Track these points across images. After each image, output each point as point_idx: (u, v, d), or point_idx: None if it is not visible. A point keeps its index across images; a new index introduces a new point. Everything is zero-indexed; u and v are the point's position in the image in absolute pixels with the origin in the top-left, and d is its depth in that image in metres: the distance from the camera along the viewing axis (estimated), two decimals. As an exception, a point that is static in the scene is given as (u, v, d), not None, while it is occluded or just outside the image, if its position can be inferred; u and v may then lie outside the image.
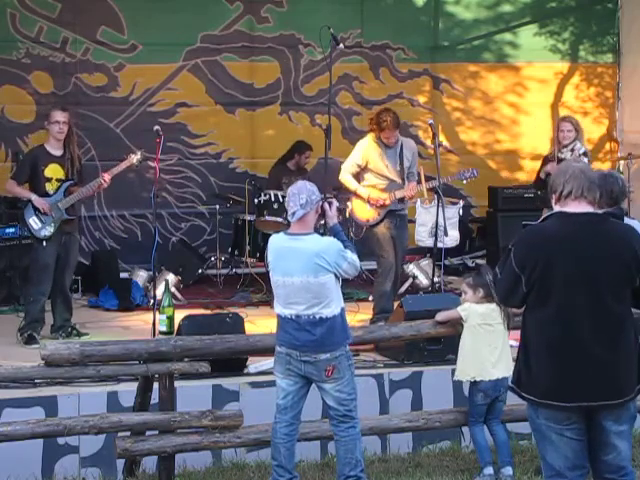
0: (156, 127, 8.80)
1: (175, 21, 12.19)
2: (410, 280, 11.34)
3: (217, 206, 11.81)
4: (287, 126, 12.74)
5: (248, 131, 12.75)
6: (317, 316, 6.20)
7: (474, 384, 7.06)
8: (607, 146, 13.79)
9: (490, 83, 13.50)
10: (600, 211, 5.16)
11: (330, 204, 6.47)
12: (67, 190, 9.05)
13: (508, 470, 7.02)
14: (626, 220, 5.74)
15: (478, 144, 13.50)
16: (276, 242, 6.38)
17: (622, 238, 5.07)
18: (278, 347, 6.36)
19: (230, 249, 11.67)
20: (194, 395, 7.32)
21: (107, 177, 9.08)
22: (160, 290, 8.94)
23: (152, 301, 9.16)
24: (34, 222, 8.98)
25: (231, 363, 7.73)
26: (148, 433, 6.76)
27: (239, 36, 12.55)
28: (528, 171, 13.50)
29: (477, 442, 7.11)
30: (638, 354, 5.05)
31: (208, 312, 9.88)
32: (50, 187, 9.04)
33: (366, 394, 7.51)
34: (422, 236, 10.26)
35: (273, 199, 10.92)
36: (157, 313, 8.48)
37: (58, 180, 9.06)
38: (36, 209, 8.96)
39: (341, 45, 9.24)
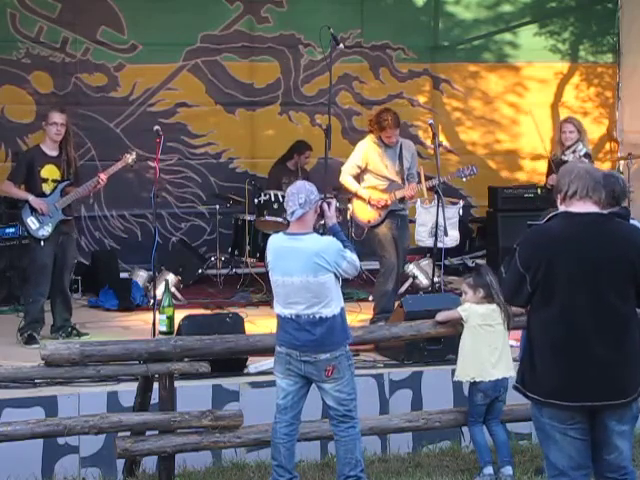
0: (156, 127, 8.81)
1: (175, 21, 12.19)
2: (410, 280, 11.34)
3: (217, 206, 11.81)
4: (287, 126, 12.74)
5: (248, 131, 12.75)
6: (317, 316, 6.20)
7: (474, 384, 7.06)
8: (607, 146, 13.80)
9: (490, 83, 13.50)
10: (605, 211, 5.16)
11: (329, 204, 6.47)
12: (63, 190, 9.06)
13: (508, 470, 7.02)
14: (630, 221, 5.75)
15: (478, 144, 13.50)
16: (275, 242, 6.38)
17: (627, 238, 5.07)
18: (278, 347, 6.36)
19: (230, 249, 11.67)
20: (194, 395, 7.32)
21: (103, 177, 9.09)
22: (160, 290, 8.94)
23: (152, 301, 9.17)
24: (32, 222, 8.98)
25: (231, 363, 7.73)
26: (148, 433, 6.76)
27: (239, 36, 12.56)
28: (528, 171, 13.53)
29: (477, 442, 7.11)
30: None
31: (208, 312, 9.88)
32: (46, 187, 9.04)
33: (366, 394, 7.51)
34: (422, 236, 10.25)
35: (273, 199, 10.92)
36: (157, 313, 8.48)
37: (54, 181, 9.06)
38: (33, 209, 8.96)
39: (341, 45, 9.24)
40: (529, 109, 12.08)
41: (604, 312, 4.98)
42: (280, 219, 10.44)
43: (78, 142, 11.83)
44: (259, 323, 9.29)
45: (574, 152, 9.76)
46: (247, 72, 12.67)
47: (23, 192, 9.08)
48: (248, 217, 11.36)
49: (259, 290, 11.04)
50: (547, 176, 10.26)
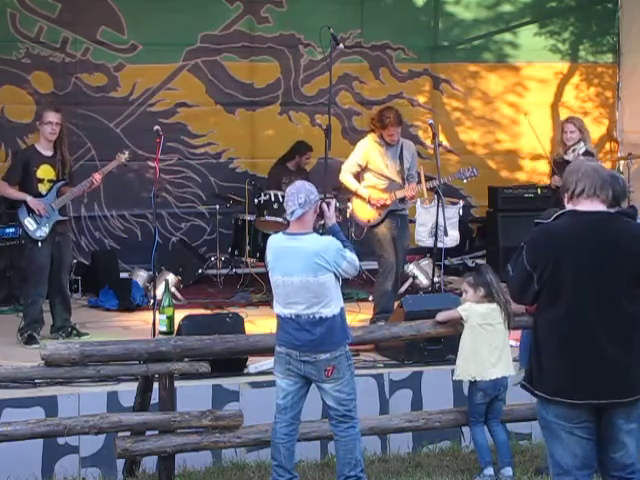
0: (156, 127, 8.81)
1: (175, 21, 12.19)
2: (410, 280, 11.34)
3: (217, 206, 11.81)
4: (287, 126, 12.74)
5: (248, 131, 12.75)
6: (317, 316, 6.20)
7: (473, 383, 7.05)
8: (607, 146, 13.80)
9: (490, 83, 13.50)
10: (613, 210, 5.17)
11: (328, 204, 6.47)
12: (59, 191, 9.06)
13: (508, 470, 7.02)
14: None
15: (478, 144, 13.50)
16: (275, 242, 6.38)
17: (634, 237, 5.07)
18: (278, 347, 6.36)
19: (230, 249, 11.68)
20: (194, 395, 7.32)
21: (98, 177, 9.10)
22: (160, 290, 8.95)
23: (152, 301, 9.16)
24: (29, 223, 8.97)
25: (231, 363, 7.73)
26: (148, 433, 6.76)
27: (239, 36, 12.56)
28: (528, 171, 13.54)
29: (477, 442, 7.10)
30: None
31: (208, 312, 9.88)
32: (42, 188, 9.03)
33: (366, 394, 7.51)
34: (422, 236, 10.26)
35: (273, 199, 10.92)
36: (157, 313, 8.48)
37: (50, 181, 9.06)
38: (30, 210, 8.95)
39: (341, 45, 9.25)
40: (525, 112, 12.07)
41: (611, 311, 4.98)
42: (280, 219, 10.44)
43: (78, 142, 11.88)
44: (259, 323, 9.29)
45: (574, 151, 9.77)
46: (247, 72, 12.67)
47: (20, 193, 9.06)
48: (248, 217, 11.36)
49: (259, 290, 11.04)
50: (550, 176, 10.27)
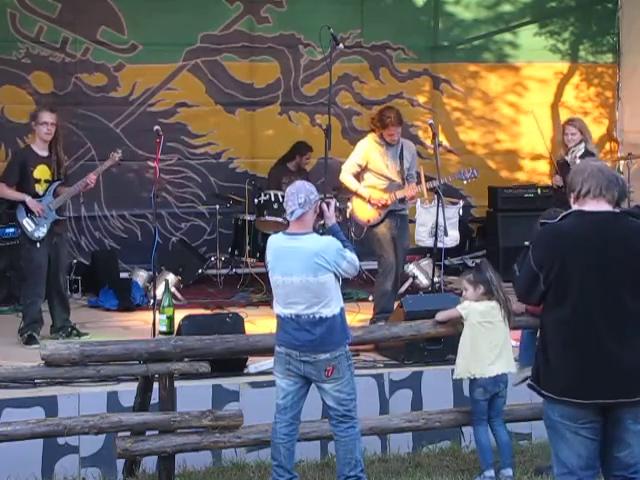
0: (156, 127, 8.81)
1: (175, 21, 12.19)
2: (410, 280, 11.34)
3: (217, 206, 11.81)
4: (287, 126, 12.74)
5: (248, 131, 12.75)
6: (317, 316, 6.20)
7: (473, 381, 7.04)
8: (607, 146, 13.80)
9: (490, 83, 13.51)
10: (618, 210, 5.17)
11: (328, 204, 6.47)
12: (55, 191, 9.05)
13: (508, 471, 7.01)
14: None
15: (478, 144, 13.50)
16: (275, 242, 6.38)
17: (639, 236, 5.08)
18: (277, 347, 6.35)
19: (230, 249, 11.68)
20: (194, 395, 7.32)
21: (93, 177, 9.11)
22: (160, 290, 8.94)
23: (152, 301, 9.16)
24: (28, 224, 8.97)
25: (231, 363, 7.73)
26: (148, 433, 6.76)
27: (239, 36, 12.56)
28: (528, 171, 13.54)
29: (480, 443, 7.07)
30: None
31: (208, 312, 9.88)
32: (39, 188, 9.03)
33: (366, 394, 7.51)
34: (422, 236, 10.25)
35: (273, 199, 10.92)
36: (157, 313, 8.48)
37: (46, 181, 9.05)
38: (28, 211, 8.95)
39: (341, 45, 9.25)
40: (531, 109, 12.07)
41: (617, 311, 5.00)
42: (280, 219, 10.44)
43: (78, 142, 11.90)
44: (259, 323, 9.29)
45: (572, 153, 9.80)
46: (247, 72, 12.67)
47: (19, 193, 9.04)
48: (248, 217, 11.36)
49: (259, 290, 11.04)
50: (552, 176, 10.29)
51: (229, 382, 7.67)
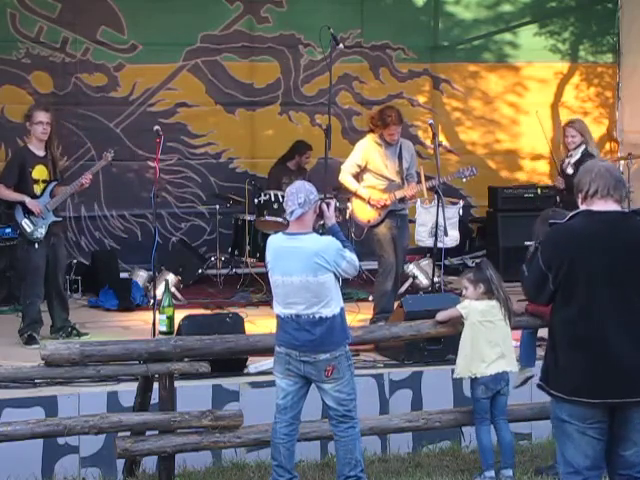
0: (156, 127, 8.82)
1: (175, 21, 12.20)
2: (410, 280, 11.34)
3: (217, 206, 11.81)
4: (287, 126, 12.74)
5: (248, 131, 12.75)
6: (317, 316, 6.20)
7: (474, 379, 7.03)
8: (607, 146, 13.80)
9: (490, 83, 13.51)
10: (626, 209, 5.18)
11: (328, 204, 6.47)
12: (52, 191, 9.05)
13: (508, 472, 7.00)
14: None
15: (478, 144, 13.50)
16: (275, 242, 6.38)
17: None
18: (277, 347, 6.35)
19: (230, 249, 11.68)
20: (194, 395, 7.32)
21: (88, 177, 9.12)
22: (160, 290, 8.94)
23: (152, 301, 9.16)
24: (27, 225, 8.95)
25: (231, 363, 7.73)
26: (148, 433, 6.76)
27: (239, 36, 12.56)
28: (528, 171, 13.54)
29: (482, 443, 7.05)
30: None
31: (208, 312, 9.88)
32: (37, 189, 9.02)
33: (366, 394, 7.51)
34: (422, 236, 10.25)
35: (273, 199, 10.93)
36: (157, 313, 8.47)
37: (44, 181, 9.05)
38: (26, 211, 8.94)
39: (341, 45, 9.26)
40: (536, 110, 12.06)
41: (626, 310, 5.01)
42: (280, 219, 10.44)
43: (78, 142, 11.90)
44: (259, 323, 9.29)
45: (570, 157, 9.88)
46: (247, 72, 12.67)
47: (18, 194, 9.02)
48: (248, 217, 11.36)
49: (259, 290, 11.04)
50: (553, 176, 10.31)
51: (229, 382, 7.67)
